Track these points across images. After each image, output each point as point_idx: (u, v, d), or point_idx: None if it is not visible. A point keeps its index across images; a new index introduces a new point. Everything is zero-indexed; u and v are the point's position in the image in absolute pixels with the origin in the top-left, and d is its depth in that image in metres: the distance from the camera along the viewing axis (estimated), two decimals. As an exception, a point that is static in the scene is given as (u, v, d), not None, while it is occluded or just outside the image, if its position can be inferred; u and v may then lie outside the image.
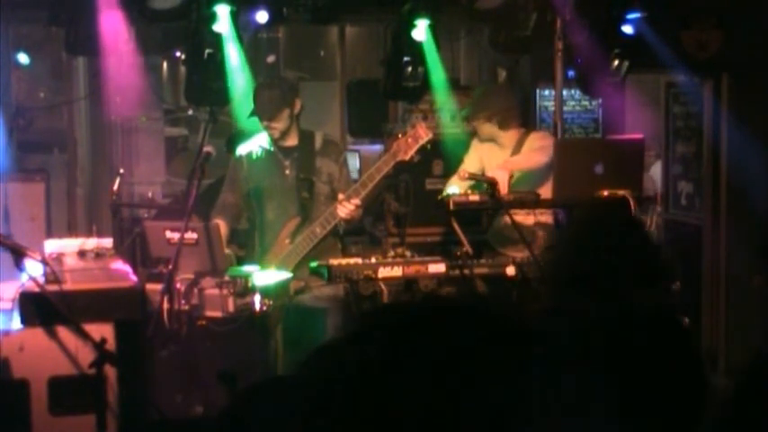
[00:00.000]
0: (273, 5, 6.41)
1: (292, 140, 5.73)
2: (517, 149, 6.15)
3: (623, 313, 2.14)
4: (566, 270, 2.37)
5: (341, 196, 5.46)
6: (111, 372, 4.70)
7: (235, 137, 7.05)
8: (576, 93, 8.08)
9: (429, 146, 5.59)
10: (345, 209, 5.43)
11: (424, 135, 5.45)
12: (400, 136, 5.51)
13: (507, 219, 5.83)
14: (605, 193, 5.61)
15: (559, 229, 5.93)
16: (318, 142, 5.78)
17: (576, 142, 7.51)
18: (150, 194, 8.07)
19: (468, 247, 5.60)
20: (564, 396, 1.07)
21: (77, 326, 4.72)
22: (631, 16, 6.68)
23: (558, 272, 2.40)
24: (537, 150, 6.05)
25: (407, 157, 5.50)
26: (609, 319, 2.12)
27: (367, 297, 5.31)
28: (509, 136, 6.18)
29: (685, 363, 2.02)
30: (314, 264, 5.45)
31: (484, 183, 5.70)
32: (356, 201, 5.44)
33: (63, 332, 4.81)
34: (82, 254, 5.58)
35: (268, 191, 5.75)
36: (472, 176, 5.75)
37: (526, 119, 8.23)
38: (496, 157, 6.13)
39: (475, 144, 6.31)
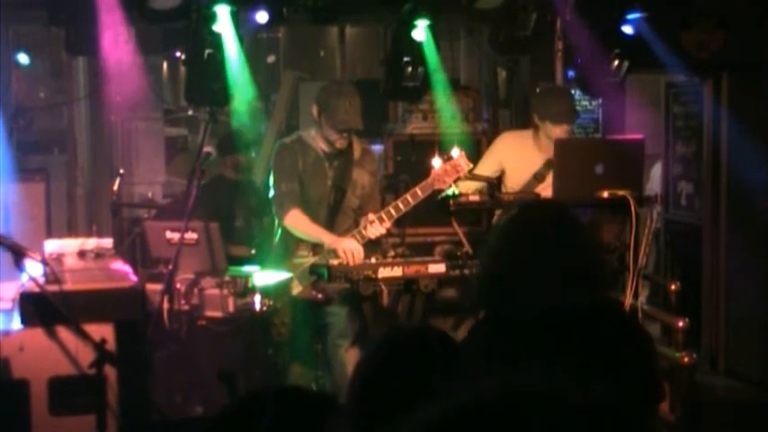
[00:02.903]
0: (273, 5, 6.40)
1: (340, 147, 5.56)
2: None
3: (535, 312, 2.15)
4: (489, 270, 2.37)
5: (371, 216, 5.36)
6: (111, 372, 4.69)
7: (231, 138, 7.04)
8: (576, 93, 8.08)
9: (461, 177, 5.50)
10: (376, 231, 5.35)
11: (464, 167, 5.40)
12: (440, 164, 5.41)
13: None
14: (605, 193, 5.61)
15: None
16: (357, 152, 5.64)
17: (576, 142, 7.49)
18: (150, 194, 8.07)
19: (468, 247, 5.60)
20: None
21: (77, 326, 4.72)
22: (631, 16, 6.68)
23: (483, 272, 2.40)
24: None
25: (445, 187, 5.46)
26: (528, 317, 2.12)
27: (367, 297, 5.31)
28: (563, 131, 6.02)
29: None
30: (314, 264, 5.44)
31: (484, 183, 5.70)
32: (387, 224, 5.37)
33: (63, 332, 4.81)
34: (82, 254, 5.57)
35: (308, 199, 5.57)
36: (472, 177, 5.74)
37: (526, 119, 8.24)
38: (532, 158, 6.01)
39: (499, 147, 6.15)
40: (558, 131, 5.95)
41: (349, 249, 5.25)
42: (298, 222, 5.45)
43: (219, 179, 6.95)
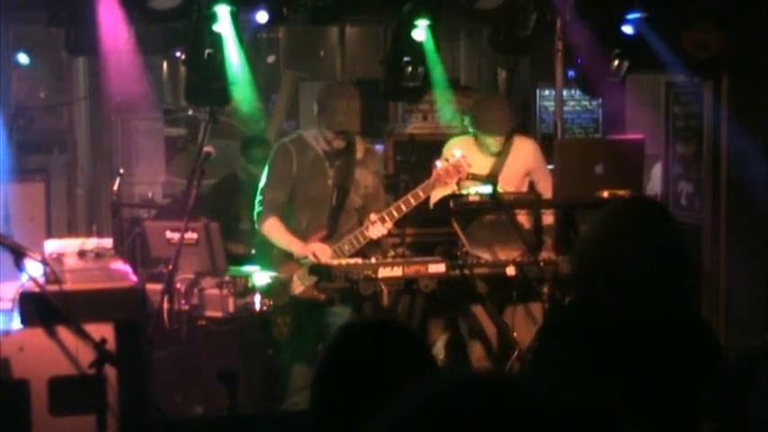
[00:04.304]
0: (273, 5, 6.41)
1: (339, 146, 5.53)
2: (504, 153, 6.00)
3: (648, 312, 2.14)
4: (590, 267, 2.35)
5: (373, 216, 5.35)
6: (111, 372, 4.69)
7: (250, 142, 7.02)
8: (576, 93, 8.08)
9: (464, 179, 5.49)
10: (378, 231, 5.34)
11: (466, 168, 5.39)
12: (442, 164, 5.39)
13: (477, 218, 5.86)
14: (605, 193, 5.61)
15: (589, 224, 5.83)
16: (360, 152, 5.61)
17: (576, 142, 7.50)
18: (150, 194, 8.07)
19: (468, 247, 5.60)
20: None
21: (77, 326, 4.71)
22: (631, 16, 6.68)
23: (582, 268, 2.38)
24: (548, 175, 6.01)
25: (447, 188, 5.45)
26: (633, 317, 2.11)
27: (367, 297, 5.31)
28: (495, 140, 5.99)
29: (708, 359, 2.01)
30: (313, 264, 5.43)
31: (484, 183, 5.70)
32: (389, 225, 5.35)
33: (63, 332, 4.80)
34: (82, 254, 5.57)
35: (309, 198, 5.55)
36: (473, 176, 5.73)
37: (526, 119, 8.24)
38: (480, 161, 5.93)
39: (454, 147, 6.02)
40: (491, 141, 5.94)
41: (317, 250, 5.32)
42: (273, 231, 5.48)
43: (231, 177, 6.95)
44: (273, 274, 5.53)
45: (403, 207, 5.35)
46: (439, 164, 5.41)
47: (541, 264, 5.46)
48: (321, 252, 5.35)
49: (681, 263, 2.27)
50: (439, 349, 6.25)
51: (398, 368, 1.93)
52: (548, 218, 6.07)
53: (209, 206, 6.48)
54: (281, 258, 5.57)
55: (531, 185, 6.09)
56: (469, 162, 5.45)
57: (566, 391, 1.00)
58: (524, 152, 5.99)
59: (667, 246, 2.28)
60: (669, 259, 2.25)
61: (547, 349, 2.22)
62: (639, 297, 2.20)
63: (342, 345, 2.02)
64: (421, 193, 5.36)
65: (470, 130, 6.08)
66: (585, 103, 8.37)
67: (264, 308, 5.57)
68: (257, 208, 5.54)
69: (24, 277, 4.84)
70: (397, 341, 2.00)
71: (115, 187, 6.66)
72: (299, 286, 5.46)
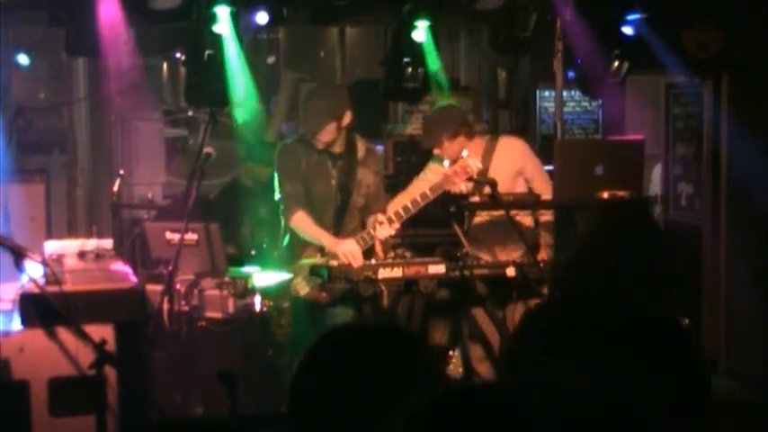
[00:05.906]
0: (273, 6, 6.41)
1: (339, 148, 5.50)
2: (488, 156, 5.91)
3: (623, 312, 2.14)
4: (569, 267, 2.36)
5: (381, 217, 5.32)
6: (111, 373, 4.69)
7: (254, 147, 7.02)
8: (576, 93, 8.09)
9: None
10: (385, 232, 5.30)
11: (473, 168, 5.37)
12: (450, 166, 5.36)
13: (477, 219, 5.85)
14: (605, 194, 5.60)
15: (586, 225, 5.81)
16: (361, 151, 5.59)
17: (576, 143, 7.51)
18: (150, 195, 8.07)
19: (467, 248, 5.60)
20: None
21: (77, 327, 4.71)
22: (631, 17, 6.69)
23: (564, 268, 2.39)
24: (541, 171, 5.98)
25: (455, 189, 5.42)
26: (608, 316, 2.12)
27: (367, 298, 5.30)
28: (475, 144, 5.88)
29: (687, 364, 2.02)
30: (314, 264, 5.42)
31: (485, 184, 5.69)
32: (396, 225, 5.31)
33: (63, 333, 4.80)
34: (82, 255, 5.57)
35: (314, 199, 5.51)
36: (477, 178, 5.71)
37: (526, 119, 8.25)
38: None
39: (434, 165, 5.92)
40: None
41: (349, 252, 5.24)
42: (302, 224, 5.43)
43: (234, 183, 6.95)
44: (274, 274, 5.53)
45: (411, 207, 5.32)
46: (446, 165, 5.39)
47: (541, 264, 5.46)
48: (355, 256, 5.24)
49: (645, 265, 2.29)
50: (456, 364, 6.22)
51: (382, 372, 1.91)
52: (547, 216, 6.04)
53: (211, 209, 6.47)
54: (287, 261, 5.56)
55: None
56: (478, 166, 5.42)
57: (557, 398, 1.01)
58: (511, 152, 5.94)
59: (635, 248, 2.30)
60: (629, 261, 2.27)
61: (526, 347, 2.22)
62: (605, 296, 2.22)
63: (318, 351, 2.01)
64: (429, 194, 5.33)
65: None
66: (585, 103, 8.38)
67: (264, 309, 5.55)
68: (281, 205, 5.50)
69: (24, 278, 4.84)
70: (380, 345, 1.98)
71: (115, 188, 6.67)
72: (303, 288, 5.43)
